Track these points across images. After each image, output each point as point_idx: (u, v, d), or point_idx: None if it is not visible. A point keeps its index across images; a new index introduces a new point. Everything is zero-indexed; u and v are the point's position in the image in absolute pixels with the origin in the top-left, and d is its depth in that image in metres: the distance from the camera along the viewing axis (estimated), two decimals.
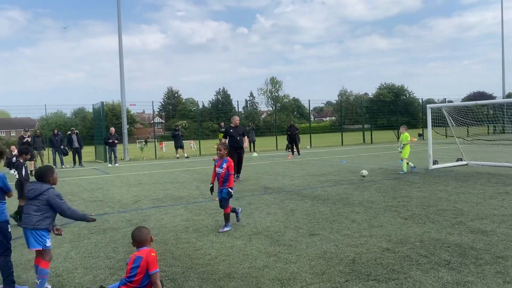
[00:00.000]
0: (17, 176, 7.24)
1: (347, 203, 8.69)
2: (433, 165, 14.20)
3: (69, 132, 22.24)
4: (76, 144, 21.77)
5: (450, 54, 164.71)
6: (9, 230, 4.68)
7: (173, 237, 6.58)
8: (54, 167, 5.23)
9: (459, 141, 16.27)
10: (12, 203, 6.86)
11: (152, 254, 4.08)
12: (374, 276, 4.56)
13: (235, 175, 12.19)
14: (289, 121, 33.89)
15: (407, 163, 13.45)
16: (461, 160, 15.07)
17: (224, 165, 7.01)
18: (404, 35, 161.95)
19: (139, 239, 4.18)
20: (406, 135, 13.69)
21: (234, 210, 7.19)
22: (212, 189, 7.25)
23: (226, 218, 6.99)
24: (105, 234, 7.02)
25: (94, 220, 4.73)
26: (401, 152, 13.58)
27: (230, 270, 4.97)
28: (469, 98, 79.36)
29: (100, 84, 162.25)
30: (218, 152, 7.19)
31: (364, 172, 12.36)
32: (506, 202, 8.14)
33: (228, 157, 7.17)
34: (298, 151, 23.71)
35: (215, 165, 7.19)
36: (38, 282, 4.40)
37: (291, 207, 8.53)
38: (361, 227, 6.66)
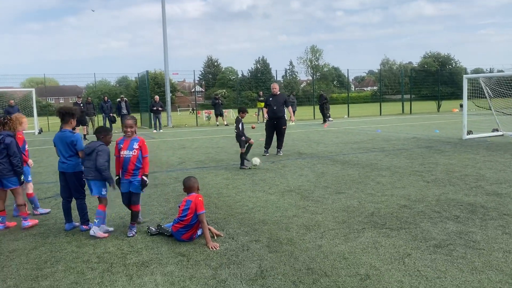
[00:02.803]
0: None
1: (375, 167, 9.30)
2: (467, 135, 14.39)
3: (119, 99, 23.65)
4: (124, 111, 23.16)
5: (504, 21, 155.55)
6: (83, 179, 5.68)
7: (215, 192, 7.50)
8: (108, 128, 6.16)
9: (497, 112, 16.22)
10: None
11: (200, 198, 4.98)
12: (388, 226, 5.27)
13: (277, 151, 11.84)
14: (328, 91, 34.14)
15: None
16: (497, 130, 15.12)
17: (136, 145, 5.38)
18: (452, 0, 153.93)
19: (188, 185, 5.09)
20: None
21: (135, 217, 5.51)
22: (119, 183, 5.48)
23: (134, 216, 5.42)
24: (157, 188, 8.02)
25: (114, 188, 5.39)
26: None
27: (264, 217, 5.81)
28: None
29: (142, 53, 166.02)
30: (128, 129, 5.43)
31: (257, 160, 10.06)
32: None
33: (138, 136, 5.52)
34: (324, 119, 24.96)
35: (119, 148, 5.40)
36: (96, 221, 5.38)
37: (322, 170, 9.25)
38: (385, 188, 7.32)
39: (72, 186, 5.57)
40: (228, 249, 4.68)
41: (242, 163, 9.99)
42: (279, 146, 11.98)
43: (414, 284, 3.68)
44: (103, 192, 5.46)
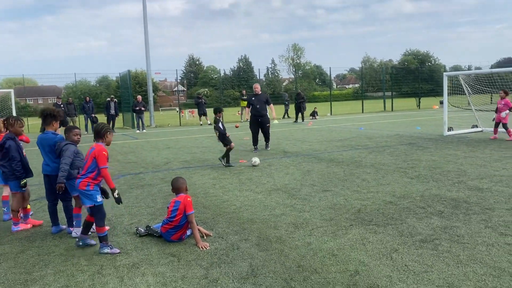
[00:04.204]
0: None
1: (360, 165, 9.43)
2: (448, 131, 14.69)
3: (108, 99, 23.55)
4: (112, 111, 22.99)
5: (481, 18, 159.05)
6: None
7: (202, 192, 7.50)
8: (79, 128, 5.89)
9: (475, 109, 16.59)
10: None
11: (188, 199, 4.98)
12: (375, 222, 5.36)
13: (266, 145, 12.65)
14: (311, 89, 34.38)
15: None
16: (477, 127, 15.48)
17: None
18: None
19: (176, 186, 5.09)
20: None
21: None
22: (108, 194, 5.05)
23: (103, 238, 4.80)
24: (143, 189, 7.98)
25: (61, 188, 5.00)
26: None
27: (252, 216, 5.85)
28: (499, 64, 77.30)
29: (122, 52, 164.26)
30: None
31: (256, 161, 10.05)
32: (509, 165, 8.73)
33: (95, 143, 4.97)
34: (302, 118, 25.29)
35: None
36: (74, 223, 5.42)
37: (308, 168, 9.33)
38: (370, 185, 7.44)
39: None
40: (218, 248, 4.70)
41: (227, 161, 10.05)
42: (267, 140, 12.74)
43: (402, 278, 3.76)
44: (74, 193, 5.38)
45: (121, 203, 5.09)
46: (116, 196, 4.91)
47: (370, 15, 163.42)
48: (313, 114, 28.05)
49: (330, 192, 7.06)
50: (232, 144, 10.21)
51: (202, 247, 4.70)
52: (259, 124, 12.49)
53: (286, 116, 29.37)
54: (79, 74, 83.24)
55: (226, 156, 10.14)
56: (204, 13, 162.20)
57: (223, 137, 10.09)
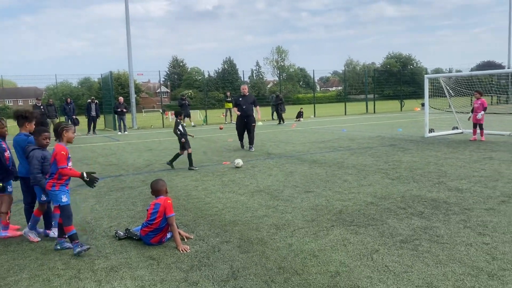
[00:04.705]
0: None
1: (342, 166, 9.47)
2: (429, 133, 14.89)
3: (89, 101, 23.25)
4: (93, 113, 22.68)
5: (460, 22, 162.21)
6: None
7: (184, 194, 7.42)
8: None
9: (456, 111, 16.86)
10: None
11: (169, 201, 4.92)
12: (356, 223, 5.38)
13: (250, 147, 12.83)
14: (295, 91, 34.52)
15: None
16: (457, 128, 15.72)
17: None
18: (413, 1, 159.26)
19: (156, 189, 5.02)
20: None
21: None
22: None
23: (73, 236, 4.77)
24: (123, 191, 7.87)
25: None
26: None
27: (234, 218, 5.81)
28: (478, 67, 78.91)
29: (104, 53, 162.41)
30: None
31: (239, 162, 10.00)
32: (488, 165, 8.88)
33: (56, 143, 4.87)
34: (281, 120, 25.31)
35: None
36: (29, 224, 5.35)
37: (291, 169, 9.33)
38: (351, 186, 7.47)
39: (34, 190, 5.38)
40: (199, 251, 4.65)
41: (190, 164, 10.08)
42: (251, 142, 13.01)
43: (383, 279, 3.77)
44: (42, 198, 5.22)
45: (94, 185, 4.97)
46: (87, 179, 4.83)
47: (353, 19, 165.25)
48: (299, 115, 28.12)
49: (312, 193, 7.06)
50: (190, 149, 10.21)
51: (182, 250, 4.64)
52: (245, 124, 13.04)
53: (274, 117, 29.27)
54: (61, 75, 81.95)
55: (174, 159, 10.28)
56: (188, 14, 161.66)
57: (182, 141, 10.12)
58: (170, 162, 10.30)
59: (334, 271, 3.97)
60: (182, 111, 10.94)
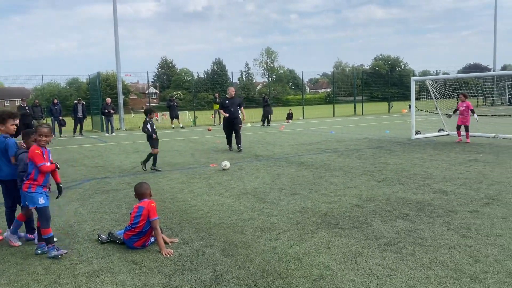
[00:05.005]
0: None
1: (329, 168, 9.49)
2: (415, 135, 15.00)
3: (76, 101, 23.05)
4: (80, 114, 22.48)
5: (448, 25, 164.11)
6: None
7: (170, 197, 7.36)
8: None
9: (442, 113, 17.01)
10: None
11: (152, 204, 4.86)
12: (341, 225, 5.38)
13: (238, 147, 12.96)
14: (284, 93, 34.57)
15: None
16: (443, 130, 15.86)
17: (50, 156, 4.96)
18: (401, 4, 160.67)
19: (140, 192, 4.97)
20: None
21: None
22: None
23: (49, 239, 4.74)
24: (109, 194, 7.78)
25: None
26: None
27: (220, 221, 5.77)
28: (465, 69, 79.86)
29: (92, 54, 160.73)
30: (44, 138, 4.81)
31: (226, 164, 9.89)
32: (472, 168, 8.96)
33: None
34: (268, 122, 25.40)
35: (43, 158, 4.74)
36: (11, 228, 5.24)
37: (278, 171, 9.32)
38: (337, 188, 7.47)
39: (14, 194, 5.28)
40: (182, 255, 4.60)
41: (154, 163, 10.11)
42: (239, 142, 13.16)
43: (366, 282, 3.76)
44: (26, 203, 5.08)
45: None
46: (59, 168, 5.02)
47: (342, 21, 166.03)
48: (289, 116, 28.13)
49: (298, 195, 7.05)
50: (157, 149, 10.18)
51: (166, 254, 4.59)
52: (232, 125, 13.26)
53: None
54: (48, 76, 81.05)
55: (147, 159, 10.16)
56: (177, 15, 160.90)
57: (150, 138, 10.16)
58: (144, 163, 10.22)
59: (318, 275, 3.95)
60: (152, 110, 10.58)
